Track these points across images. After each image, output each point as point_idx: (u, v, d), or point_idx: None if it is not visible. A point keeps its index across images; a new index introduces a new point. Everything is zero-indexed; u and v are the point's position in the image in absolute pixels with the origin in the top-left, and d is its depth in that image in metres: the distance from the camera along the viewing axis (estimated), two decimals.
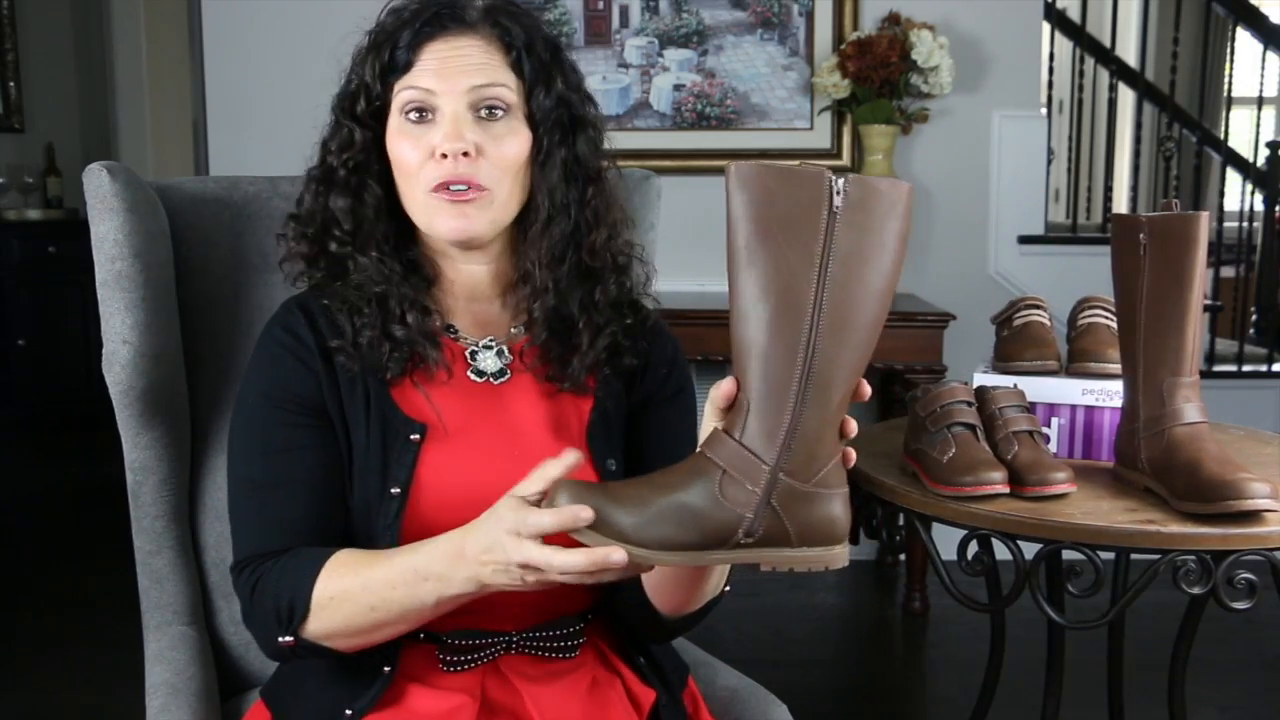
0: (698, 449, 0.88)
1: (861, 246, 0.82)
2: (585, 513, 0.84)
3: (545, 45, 1.13)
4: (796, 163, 0.83)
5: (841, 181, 0.81)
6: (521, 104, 1.11)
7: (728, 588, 1.09)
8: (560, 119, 1.12)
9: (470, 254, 1.14)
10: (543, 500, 0.89)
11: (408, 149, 1.09)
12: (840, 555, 0.87)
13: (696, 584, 1.05)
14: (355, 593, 0.99)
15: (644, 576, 1.08)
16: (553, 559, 0.86)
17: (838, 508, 0.86)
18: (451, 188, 1.07)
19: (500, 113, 1.09)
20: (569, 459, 0.90)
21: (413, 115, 1.09)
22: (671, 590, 1.06)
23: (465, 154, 1.06)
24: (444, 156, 1.06)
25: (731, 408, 0.86)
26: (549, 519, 0.86)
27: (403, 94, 1.09)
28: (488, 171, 1.08)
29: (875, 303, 0.83)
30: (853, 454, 0.89)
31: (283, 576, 1.02)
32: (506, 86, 1.09)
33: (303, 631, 1.01)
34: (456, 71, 1.08)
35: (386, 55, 1.09)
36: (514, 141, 1.09)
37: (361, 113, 1.11)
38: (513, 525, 0.88)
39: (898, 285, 0.86)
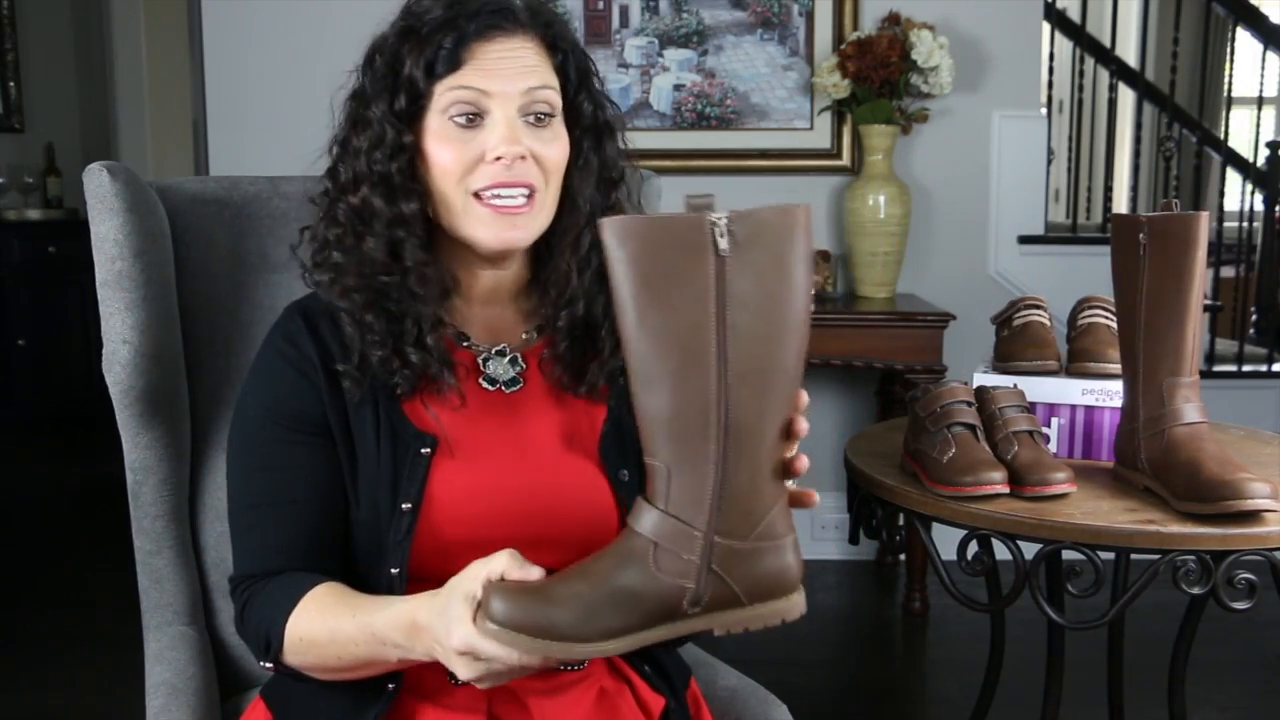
0: (626, 526, 0.84)
1: (760, 286, 0.76)
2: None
3: (578, 48, 1.11)
4: (680, 210, 0.77)
5: (725, 222, 0.75)
6: (563, 108, 1.08)
7: None
8: (595, 123, 1.11)
9: (499, 260, 1.11)
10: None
11: (450, 153, 1.04)
12: (796, 604, 0.84)
13: None
14: (322, 642, 0.99)
15: None
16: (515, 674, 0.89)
17: (786, 557, 0.82)
18: (504, 194, 1.04)
19: (547, 117, 1.06)
20: (520, 570, 0.88)
21: (460, 119, 1.04)
22: None
23: (522, 157, 1.03)
24: (497, 159, 1.03)
25: (645, 476, 0.82)
26: (499, 653, 0.85)
27: (450, 94, 1.04)
28: (538, 175, 1.05)
29: (789, 337, 0.79)
30: (804, 461, 0.85)
31: (264, 605, 1.03)
32: (554, 89, 1.07)
33: (282, 660, 1.03)
34: (511, 74, 1.04)
35: (431, 53, 1.04)
36: (559, 146, 1.07)
37: (401, 111, 1.05)
38: (464, 645, 0.87)
39: (811, 309, 0.81)
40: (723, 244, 0.75)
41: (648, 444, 0.80)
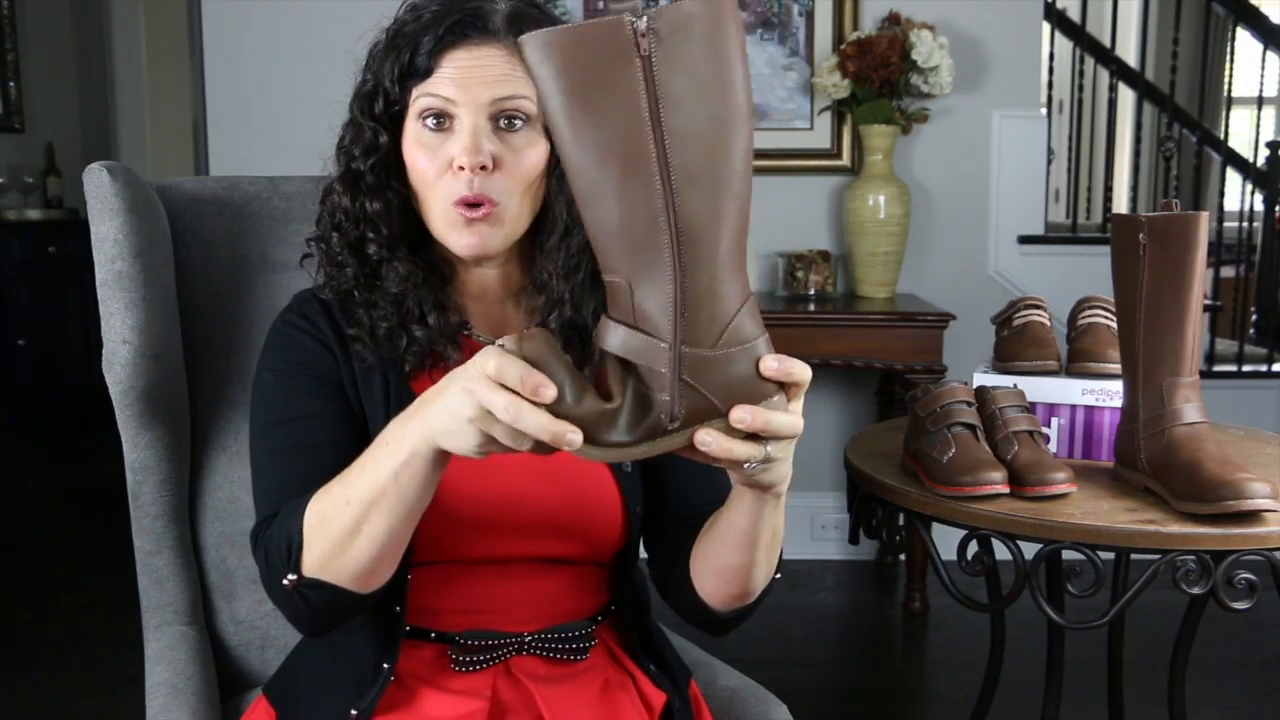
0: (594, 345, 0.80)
1: (693, 83, 0.73)
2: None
3: None
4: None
5: (645, 21, 0.72)
6: (541, 114, 1.07)
7: (778, 575, 1.07)
8: None
9: (480, 261, 1.12)
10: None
11: (424, 158, 1.07)
12: (777, 404, 0.80)
13: (750, 571, 1.02)
14: (336, 494, 0.95)
15: (698, 585, 1.07)
16: (521, 410, 0.77)
17: (758, 356, 0.80)
18: (470, 203, 1.05)
19: (520, 123, 1.07)
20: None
21: (430, 123, 1.06)
22: (729, 585, 1.05)
23: (483, 167, 1.04)
24: (461, 169, 1.04)
25: (607, 291, 0.79)
26: (535, 377, 0.78)
27: (421, 100, 1.07)
28: (502, 185, 1.06)
29: (732, 132, 0.75)
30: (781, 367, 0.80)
31: (284, 518, 1.00)
32: (527, 98, 1.06)
33: (303, 567, 0.97)
34: (478, 82, 1.05)
35: (406, 59, 1.07)
36: (532, 153, 1.07)
37: (380, 114, 1.09)
38: (495, 368, 0.79)
39: (752, 101, 0.77)
40: (644, 44, 0.72)
41: (604, 260, 0.78)
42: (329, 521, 0.94)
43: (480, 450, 0.82)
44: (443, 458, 0.88)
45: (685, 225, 0.75)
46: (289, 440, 1.07)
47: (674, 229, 0.75)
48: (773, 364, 0.80)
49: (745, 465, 0.82)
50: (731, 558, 1.02)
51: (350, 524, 0.93)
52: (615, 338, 0.78)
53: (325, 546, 0.95)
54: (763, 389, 0.80)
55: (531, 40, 0.73)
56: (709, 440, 0.79)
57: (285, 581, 0.97)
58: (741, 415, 0.79)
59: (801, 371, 0.81)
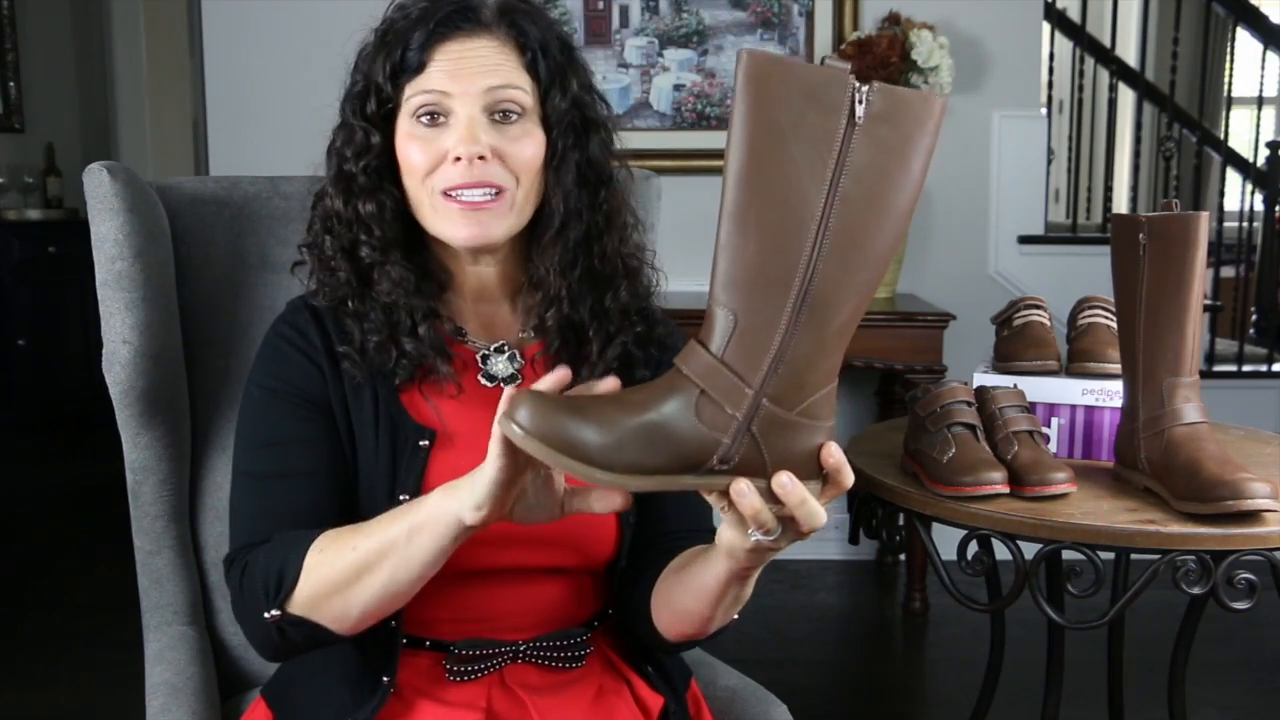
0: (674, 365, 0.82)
1: (881, 163, 0.75)
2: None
3: (559, 46, 1.10)
4: (818, 61, 0.76)
5: (866, 89, 0.74)
6: (536, 106, 1.08)
7: (735, 615, 1.07)
8: (574, 121, 1.10)
9: (479, 256, 1.12)
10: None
11: (417, 151, 1.06)
12: (811, 490, 0.81)
13: (707, 622, 1.04)
14: (342, 543, 0.96)
15: (655, 615, 1.07)
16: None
17: (819, 440, 0.80)
18: (464, 193, 1.04)
19: (515, 115, 1.06)
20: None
21: (425, 118, 1.05)
22: (683, 626, 1.06)
23: (481, 157, 1.03)
24: (458, 160, 1.03)
25: (706, 317, 0.79)
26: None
27: (415, 97, 1.06)
28: (503, 174, 1.05)
29: (890, 226, 0.77)
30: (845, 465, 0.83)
31: (275, 551, 1.00)
32: (521, 88, 1.07)
33: (289, 603, 0.97)
34: (472, 73, 1.05)
35: (398, 55, 1.06)
36: (529, 144, 1.07)
37: (372, 114, 1.08)
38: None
39: (914, 207, 0.79)
40: (860, 110, 0.74)
41: (720, 286, 0.77)
42: (330, 566, 0.96)
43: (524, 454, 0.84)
44: (463, 533, 0.91)
45: (815, 288, 0.76)
46: (270, 465, 1.06)
47: (806, 286, 0.76)
48: (836, 453, 0.81)
49: (751, 532, 0.82)
50: (691, 606, 1.02)
51: (352, 572, 0.95)
52: (698, 363, 0.78)
53: (319, 587, 0.97)
54: (809, 471, 0.81)
55: (750, 57, 0.74)
56: (745, 493, 0.79)
57: (267, 615, 0.98)
58: (785, 481, 0.79)
59: (849, 477, 0.82)
